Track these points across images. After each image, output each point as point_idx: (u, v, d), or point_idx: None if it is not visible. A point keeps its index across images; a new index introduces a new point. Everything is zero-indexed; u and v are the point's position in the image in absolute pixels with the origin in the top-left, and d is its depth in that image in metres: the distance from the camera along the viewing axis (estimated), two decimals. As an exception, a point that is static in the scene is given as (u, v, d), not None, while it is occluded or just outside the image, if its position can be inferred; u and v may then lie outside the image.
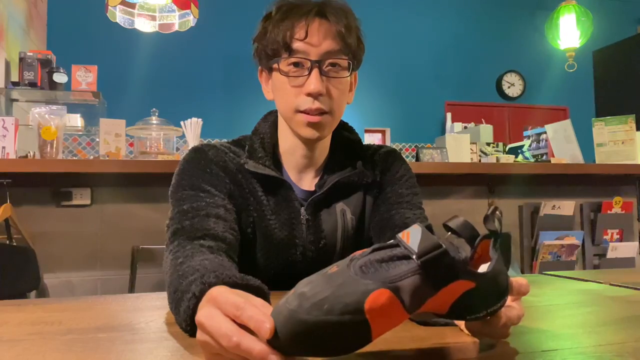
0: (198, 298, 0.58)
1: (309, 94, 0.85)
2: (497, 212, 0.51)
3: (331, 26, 0.85)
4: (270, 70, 0.91)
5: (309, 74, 0.85)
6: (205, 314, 0.48)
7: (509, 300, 0.55)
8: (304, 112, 0.86)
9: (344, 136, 1.00)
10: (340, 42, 0.86)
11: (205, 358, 0.49)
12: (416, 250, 0.45)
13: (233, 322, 0.46)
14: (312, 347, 0.44)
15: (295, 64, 0.86)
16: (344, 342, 0.44)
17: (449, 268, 0.46)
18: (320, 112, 0.86)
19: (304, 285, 0.46)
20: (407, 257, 0.46)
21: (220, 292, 0.50)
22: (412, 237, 0.46)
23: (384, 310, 0.44)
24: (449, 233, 0.49)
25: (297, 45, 0.85)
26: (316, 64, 0.85)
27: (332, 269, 0.47)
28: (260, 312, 0.45)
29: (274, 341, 0.43)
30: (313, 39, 0.85)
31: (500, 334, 0.55)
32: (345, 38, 0.86)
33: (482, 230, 0.53)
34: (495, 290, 0.51)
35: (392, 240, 0.48)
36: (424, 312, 0.51)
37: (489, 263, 0.51)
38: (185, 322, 0.59)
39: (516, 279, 0.56)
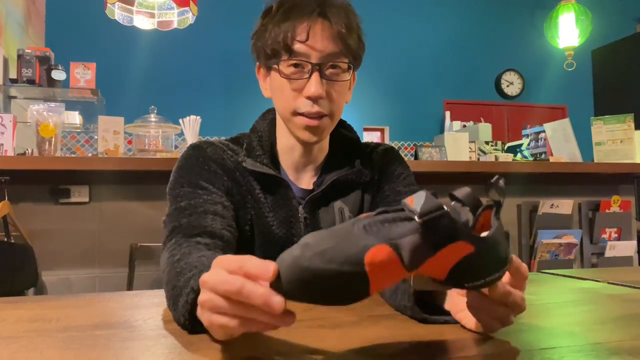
0: (197, 292, 0.58)
1: (308, 97, 0.85)
2: (500, 182, 0.51)
3: (332, 27, 0.84)
4: (269, 68, 0.90)
5: (309, 77, 0.84)
6: (210, 272, 0.49)
7: (513, 282, 0.55)
8: (303, 114, 0.86)
9: (343, 134, 0.99)
10: (342, 44, 0.85)
11: (206, 321, 0.49)
12: (418, 210, 0.46)
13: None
14: (312, 294, 0.45)
15: (295, 66, 0.85)
16: (343, 292, 0.46)
17: (449, 229, 0.47)
18: (320, 116, 0.86)
19: (309, 237, 0.47)
20: (410, 219, 0.47)
21: (225, 256, 0.51)
22: (416, 200, 0.47)
23: (383, 266, 0.45)
24: (453, 202, 0.50)
25: (298, 47, 0.84)
26: (317, 67, 0.84)
27: (337, 226, 0.49)
28: (263, 260, 0.47)
29: (275, 286, 0.45)
30: (314, 41, 0.84)
31: (502, 314, 0.55)
32: (347, 39, 0.85)
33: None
34: (495, 258, 0.51)
35: (397, 206, 0.50)
36: (423, 278, 0.52)
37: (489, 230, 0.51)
38: (184, 317, 0.59)
39: (516, 257, 0.55)
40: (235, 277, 0.46)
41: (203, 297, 0.49)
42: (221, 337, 0.51)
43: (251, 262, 0.47)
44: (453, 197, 0.51)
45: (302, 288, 0.45)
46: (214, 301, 0.47)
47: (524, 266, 0.55)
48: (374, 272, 0.45)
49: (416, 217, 0.46)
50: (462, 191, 0.50)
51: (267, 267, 0.45)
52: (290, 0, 0.86)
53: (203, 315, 0.50)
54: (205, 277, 0.49)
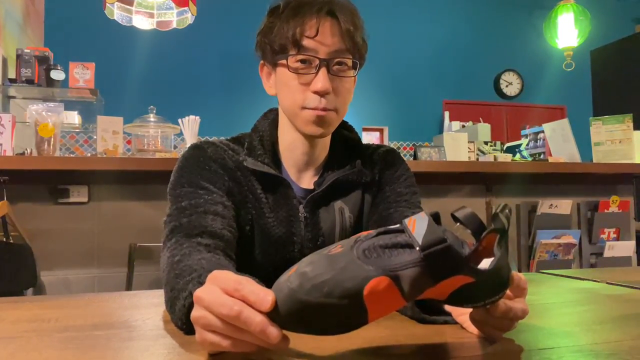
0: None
1: (316, 92, 0.85)
2: (507, 211, 0.51)
3: (340, 25, 0.86)
4: (275, 65, 0.91)
5: (317, 72, 0.85)
6: (205, 289, 0.49)
7: (512, 295, 0.55)
8: (310, 109, 0.86)
9: (344, 135, 1.00)
10: (349, 42, 0.86)
11: (197, 336, 0.49)
12: (420, 242, 0.45)
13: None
14: (309, 326, 0.45)
15: (303, 61, 0.86)
16: (340, 323, 0.46)
17: (451, 262, 0.46)
18: (326, 110, 0.86)
19: (306, 265, 0.46)
20: (410, 246, 0.46)
21: (221, 272, 0.51)
22: (417, 226, 0.46)
23: (382, 297, 0.45)
24: (457, 224, 0.50)
25: (307, 42, 0.85)
26: (324, 63, 0.85)
27: (336, 248, 0.48)
28: (261, 287, 0.46)
29: (272, 316, 0.44)
30: (323, 37, 0.85)
31: (504, 326, 0.55)
32: (354, 38, 0.87)
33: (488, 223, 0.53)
34: (495, 284, 0.51)
35: (397, 225, 0.49)
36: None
37: (492, 258, 0.51)
38: (181, 320, 0.60)
39: (515, 273, 0.56)
40: (233, 301, 0.46)
41: (197, 313, 0.48)
42: (211, 352, 0.50)
43: (249, 287, 0.46)
44: (455, 219, 0.50)
45: (300, 320, 0.44)
46: (208, 319, 0.47)
47: (523, 280, 0.56)
48: (373, 304, 0.45)
49: (418, 249, 0.45)
50: (464, 212, 0.50)
51: (265, 297, 0.44)
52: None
53: (196, 330, 0.50)
54: (201, 294, 0.48)
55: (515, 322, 0.56)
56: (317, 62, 0.85)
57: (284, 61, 0.87)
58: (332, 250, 0.48)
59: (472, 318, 0.56)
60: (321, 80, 0.84)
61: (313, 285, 0.44)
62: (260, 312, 0.45)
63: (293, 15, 0.85)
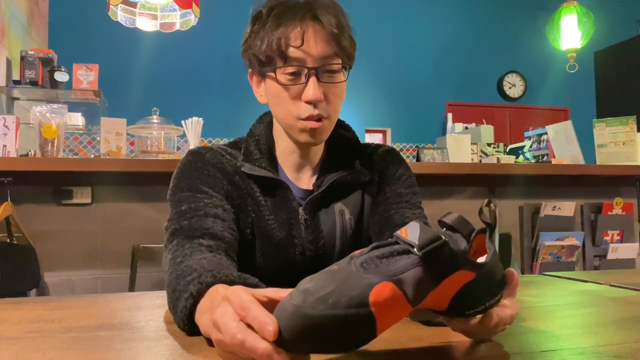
0: (195, 298, 0.58)
1: (307, 102, 0.85)
2: (491, 205, 0.51)
3: (325, 29, 0.84)
4: (263, 75, 0.90)
5: (307, 81, 0.84)
6: (220, 311, 0.48)
7: (505, 297, 0.55)
8: (303, 119, 0.86)
9: (341, 134, 0.99)
10: (335, 46, 0.85)
11: (222, 357, 0.49)
12: (417, 243, 0.45)
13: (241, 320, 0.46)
14: (317, 343, 0.44)
15: (292, 72, 0.85)
16: (349, 336, 0.44)
17: (450, 258, 0.46)
18: (320, 118, 0.86)
19: (307, 283, 0.45)
20: (407, 252, 0.46)
21: (233, 291, 0.50)
22: (410, 232, 0.47)
23: (388, 303, 0.44)
24: (444, 229, 0.50)
25: (292, 52, 0.83)
26: (313, 71, 0.84)
27: (333, 268, 0.47)
28: (263, 312, 0.45)
29: (278, 339, 0.43)
30: (309, 45, 0.83)
31: (488, 334, 0.55)
32: (340, 40, 0.85)
33: (477, 225, 0.53)
34: (494, 282, 0.51)
35: (389, 239, 0.49)
36: (424, 311, 0.51)
37: (485, 255, 0.51)
38: (183, 322, 0.60)
39: (507, 269, 0.55)
40: (237, 328, 0.45)
41: (216, 337, 0.48)
42: None
43: (252, 313, 0.45)
44: (443, 225, 0.50)
45: (307, 338, 0.43)
46: (225, 343, 0.46)
47: (512, 272, 0.55)
48: (380, 311, 0.44)
49: (416, 250, 0.45)
50: (452, 217, 0.50)
51: (267, 326, 0.43)
52: (280, 5, 0.86)
53: (217, 350, 0.49)
54: (216, 317, 0.48)
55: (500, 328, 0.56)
56: (306, 71, 0.84)
57: (272, 74, 0.86)
58: (330, 269, 0.47)
59: (457, 330, 0.55)
60: (312, 89, 0.83)
61: (317, 298, 0.43)
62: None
63: (276, 25, 0.84)
